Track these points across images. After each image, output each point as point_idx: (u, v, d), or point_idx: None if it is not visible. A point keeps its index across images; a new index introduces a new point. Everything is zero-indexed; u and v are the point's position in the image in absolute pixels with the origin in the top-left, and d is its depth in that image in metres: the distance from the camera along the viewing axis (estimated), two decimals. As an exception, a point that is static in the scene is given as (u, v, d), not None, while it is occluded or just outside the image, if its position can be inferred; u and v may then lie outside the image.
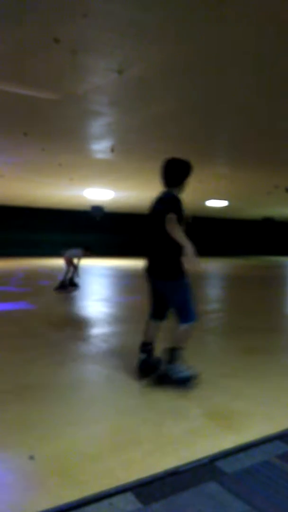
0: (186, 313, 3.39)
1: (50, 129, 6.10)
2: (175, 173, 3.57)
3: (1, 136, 6.59)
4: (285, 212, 20.51)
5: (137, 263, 19.27)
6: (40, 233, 21.35)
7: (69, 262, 9.28)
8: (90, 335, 5.23)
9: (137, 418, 2.84)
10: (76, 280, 9.43)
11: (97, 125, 5.88)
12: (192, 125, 5.85)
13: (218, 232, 27.48)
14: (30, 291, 9.38)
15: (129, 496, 1.96)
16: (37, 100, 4.77)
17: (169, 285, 3.41)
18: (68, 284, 9.28)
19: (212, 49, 3.49)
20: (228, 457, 2.32)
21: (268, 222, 24.19)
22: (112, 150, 7.25)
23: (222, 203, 17.02)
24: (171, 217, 3.21)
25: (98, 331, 5.45)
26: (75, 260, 9.33)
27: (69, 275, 9.34)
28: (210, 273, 15.27)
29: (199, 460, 2.27)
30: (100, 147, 7.17)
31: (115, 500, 1.93)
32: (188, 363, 3.63)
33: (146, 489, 2.01)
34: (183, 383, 3.38)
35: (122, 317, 6.50)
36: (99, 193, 13.96)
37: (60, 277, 9.58)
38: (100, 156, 7.88)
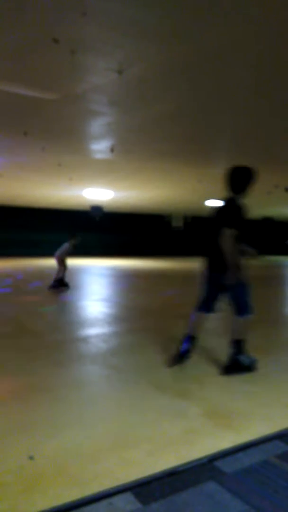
0: (243, 306, 3.85)
1: (50, 129, 6.10)
2: (239, 180, 3.87)
3: (0, 136, 6.59)
4: (285, 212, 20.51)
5: (137, 263, 19.24)
6: (39, 233, 21.34)
7: (60, 261, 9.41)
8: (89, 335, 5.23)
9: (136, 418, 2.84)
10: (60, 279, 9.57)
11: (97, 125, 5.88)
12: (192, 125, 5.85)
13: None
14: (29, 290, 9.38)
15: (129, 496, 1.96)
16: (37, 99, 4.76)
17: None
18: (58, 284, 9.41)
19: (212, 49, 3.49)
20: (227, 456, 2.33)
21: (268, 222, 24.19)
22: (112, 150, 7.25)
23: (222, 203, 16.99)
24: (226, 231, 3.59)
25: (97, 331, 5.45)
26: (66, 257, 9.49)
27: (60, 274, 9.46)
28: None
29: (198, 460, 2.28)
30: (100, 147, 7.17)
31: (114, 500, 1.93)
32: (187, 363, 3.63)
33: (145, 489, 2.02)
34: (251, 369, 3.80)
35: (122, 317, 6.50)
36: (98, 193, 13.95)
37: (54, 276, 9.73)
38: (99, 156, 7.88)
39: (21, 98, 4.73)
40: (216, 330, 5.81)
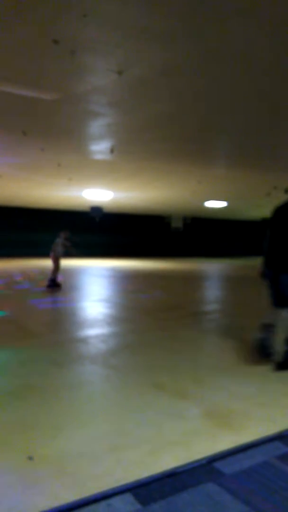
0: None
1: (50, 129, 6.09)
2: None
3: (0, 136, 6.59)
4: (284, 213, 20.48)
5: (137, 264, 19.23)
6: (39, 234, 21.33)
7: (55, 260, 9.53)
8: (89, 335, 5.23)
9: (136, 419, 2.83)
10: (53, 279, 9.65)
11: (97, 126, 5.88)
12: (192, 125, 5.85)
13: (217, 233, 27.49)
14: (29, 290, 9.37)
15: (128, 496, 1.96)
16: (37, 100, 4.76)
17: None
18: (53, 284, 9.52)
19: (212, 50, 3.49)
20: (227, 457, 2.32)
21: (267, 223, 24.16)
22: (112, 150, 7.25)
23: (221, 204, 17.02)
24: None
25: (97, 331, 5.45)
26: (61, 255, 9.58)
27: (55, 274, 9.60)
28: (211, 274, 15.28)
29: (198, 461, 2.27)
30: (100, 148, 7.17)
31: (113, 501, 1.93)
32: (187, 364, 3.62)
33: (144, 489, 2.01)
34: None
35: (121, 318, 6.50)
36: (98, 194, 13.95)
37: (49, 276, 9.84)
38: (99, 156, 7.87)
39: (20, 99, 4.72)
40: (216, 330, 5.81)
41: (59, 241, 9.63)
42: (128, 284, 11.39)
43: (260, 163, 8.53)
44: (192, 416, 2.88)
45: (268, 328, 4.09)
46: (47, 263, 17.55)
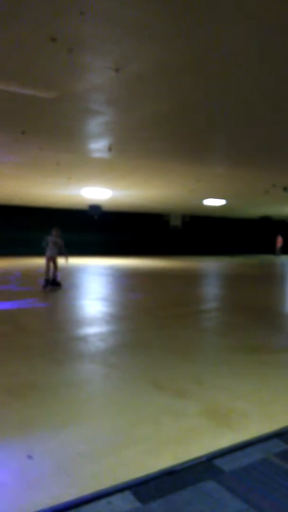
0: None
1: (48, 128, 6.08)
2: None
3: (-2, 135, 6.57)
4: (282, 211, 20.53)
5: (135, 262, 19.23)
6: (37, 232, 21.28)
7: (49, 260, 9.44)
8: (88, 334, 5.23)
9: (135, 417, 2.84)
10: (53, 279, 9.56)
11: (95, 124, 5.86)
12: (190, 123, 5.84)
13: (216, 231, 27.50)
14: (29, 290, 9.37)
15: (128, 495, 1.96)
16: (34, 98, 4.75)
17: None
18: (57, 283, 9.47)
19: (211, 47, 3.48)
20: (226, 455, 2.33)
21: (266, 221, 24.21)
22: (110, 149, 7.23)
23: (220, 202, 17.02)
24: None
25: (96, 330, 5.45)
26: (56, 255, 9.46)
27: (55, 273, 9.56)
28: (209, 273, 15.29)
29: (197, 459, 2.28)
30: (98, 146, 7.15)
31: (113, 499, 1.93)
32: (185, 362, 3.63)
33: (144, 487, 2.02)
34: None
35: (120, 316, 6.50)
36: (97, 192, 13.94)
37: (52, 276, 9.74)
38: (98, 155, 7.86)
39: (18, 97, 4.71)
40: (215, 329, 5.82)
41: (51, 239, 9.47)
42: (127, 282, 11.39)
43: (259, 161, 8.53)
44: (191, 414, 2.88)
45: None
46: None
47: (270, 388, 3.42)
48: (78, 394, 3.28)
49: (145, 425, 2.71)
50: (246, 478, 2.11)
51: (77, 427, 2.68)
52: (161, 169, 9.58)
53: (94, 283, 11.19)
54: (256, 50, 3.53)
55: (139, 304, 7.68)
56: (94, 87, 4.42)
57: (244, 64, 3.82)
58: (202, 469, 2.19)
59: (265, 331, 5.66)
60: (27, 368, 3.86)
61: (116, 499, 1.93)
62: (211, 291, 10.27)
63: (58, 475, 2.14)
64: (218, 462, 2.26)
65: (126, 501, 1.91)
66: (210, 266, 18.08)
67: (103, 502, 1.91)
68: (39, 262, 17.47)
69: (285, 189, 12.17)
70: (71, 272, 13.47)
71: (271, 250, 28.22)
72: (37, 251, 20.70)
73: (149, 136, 6.52)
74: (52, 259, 9.45)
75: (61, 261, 9.82)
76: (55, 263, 9.50)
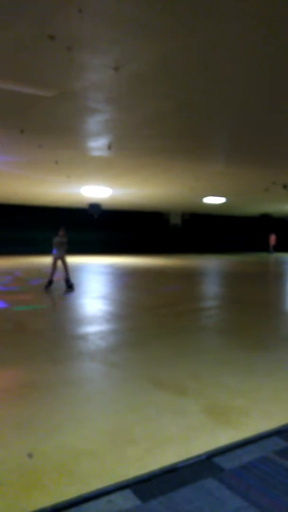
0: None
1: (47, 126, 6.07)
2: None
3: (-3, 134, 6.56)
4: (282, 208, 20.53)
5: (135, 261, 19.22)
6: (37, 231, 21.31)
7: (56, 261, 9.24)
8: (88, 332, 5.23)
9: (135, 415, 2.84)
10: (51, 279, 9.30)
11: (94, 122, 5.85)
12: (190, 121, 5.84)
13: (216, 229, 27.50)
14: (29, 289, 9.37)
15: (128, 493, 1.97)
16: (33, 97, 4.74)
17: None
18: (70, 284, 9.17)
19: (210, 46, 3.47)
20: (226, 453, 2.33)
21: (266, 219, 24.21)
22: (109, 147, 7.22)
23: (220, 200, 17.02)
24: None
25: (96, 328, 5.46)
26: (63, 254, 9.26)
27: (62, 275, 9.37)
28: (209, 271, 15.29)
29: (197, 457, 2.28)
30: (97, 144, 7.14)
31: (114, 497, 1.94)
32: (186, 360, 3.63)
33: (144, 486, 2.02)
34: None
35: (121, 315, 6.50)
36: (96, 191, 13.93)
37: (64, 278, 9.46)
38: (97, 153, 7.85)
39: (17, 96, 4.70)
40: (214, 327, 5.83)
41: (57, 240, 9.28)
42: (126, 281, 11.40)
43: (259, 159, 8.52)
44: (191, 412, 2.89)
45: None
46: (46, 260, 17.56)
47: (270, 386, 3.43)
48: (78, 392, 3.28)
49: (145, 423, 2.72)
50: (246, 475, 2.12)
51: (77, 425, 2.69)
52: (161, 167, 9.57)
53: (94, 281, 11.20)
54: (256, 48, 3.53)
55: (139, 303, 7.69)
56: (93, 86, 4.41)
57: (244, 63, 3.81)
58: (202, 467, 2.19)
59: (265, 328, 5.67)
60: (27, 367, 3.86)
61: (116, 497, 1.94)
62: (210, 289, 10.27)
63: (58, 473, 2.14)
64: (218, 460, 2.26)
65: (126, 499, 1.92)
66: (210, 264, 18.08)
67: (103, 500, 1.91)
68: (39, 261, 17.48)
69: (285, 186, 12.16)
70: (71, 270, 13.46)
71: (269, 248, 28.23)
72: (37, 250, 20.79)
73: (149, 134, 6.51)
74: (60, 260, 9.20)
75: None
76: (64, 263, 9.20)
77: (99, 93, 4.66)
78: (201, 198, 16.55)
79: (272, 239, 26.49)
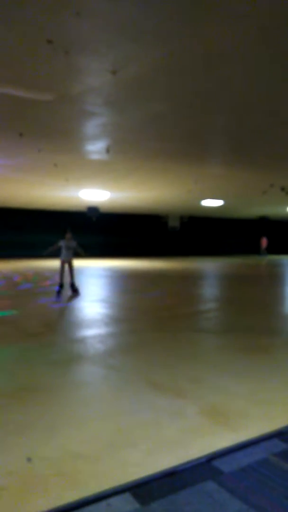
0: None
1: (46, 130, 6.09)
2: None
3: (-4, 137, 6.57)
4: (280, 211, 20.58)
5: (134, 264, 19.20)
6: (35, 235, 21.30)
7: (64, 263, 9.00)
8: (87, 335, 5.23)
9: (134, 418, 2.84)
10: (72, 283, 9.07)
11: (92, 126, 5.87)
12: (187, 125, 5.86)
13: (214, 231, 27.53)
14: (28, 292, 9.36)
15: (127, 496, 1.96)
16: (32, 101, 4.76)
17: None
18: (76, 288, 8.95)
19: (208, 49, 3.49)
20: (226, 456, 2.33)
21: (264, 221, 24.25)
22: (108, 150, 7.24)
23: (218, 203, 17.05)
24: None
25: (95, 331, 5.45)
26: (67, 256, 9.01)
27: (70, 278, 9.06)
28: (208, 273, 15.30)
29: (196, 460, 2.28)
30: (96, 148, 7.16)
31: (113, 500, 1.93)
32: (184, 363, 3.63)
33: (144, 489, 2.02)
34: None
35: (119, 318, 6.50)
36: (95, 194, 13.94)
37: (70, 282, 9.18)
38: (95, 156, 7.87)
39: (16, 99, 4.71)
40: (213, 329, 5.83)
41: (63, 244, 8.96)
42: (125, 284, 11.39)
43: (257, 161, 8.55)
44: (191, 415, 2.88)
45: None
46: (44, 264, 17.51)
47: (270, 388, 3.43)
48: (77, 395, 3.28)
49: (144, 426, 2.71)
50: (245, 478, 2.11)
51: (76, 429, 2.68)
52: (159, 170, 9.59)
53: (93, 284, 11.19)
54: (254, 51, 3.55)
55: (137, 305, 7.68)
56: (91, 89, 4.43)
57: (241, 65, 3.83)
58: (202, 469, 2.19)
59: (264, 331, 5.67)
60: (26, 371, 3.85)
61: (115, 500, 1.93)
62: (209, 292, 10.27)
63: (58, 477, 2.14)
64: (217, 462, 2.26)
65: (125, 502, 1.91)
66: (209, 266, 18.09)
67: (103, 503, 1.91)
68: (38, 264, 17.46)
69: (283, 189, 12.20)
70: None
71: (269, 250, 28.25)
72: (36, 254, 20.76)
73: (147, 138, 6.53)
74: (67, 263, 8.96)
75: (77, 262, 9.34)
76: (71, 266, 8.97)
77: (97, 97, 4.67)
78: (199, 201, 16.58)
79: (264, 242, 26.45)
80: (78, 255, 9.17)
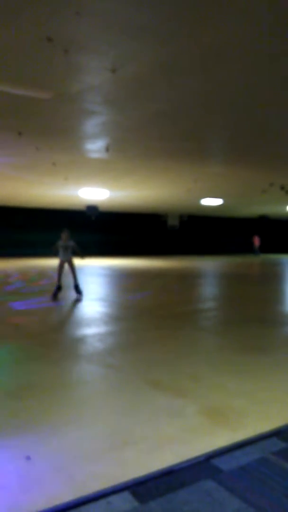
0: None
1: (45, 129, 6.08)
2: None
3: (-5, 136, 6.56)
4: (280, 209, 20.59)
5: (133, 263, 19.21)
6: (34, 233, 21.29)
7: (62, 264, 8.57)
8: (86, 334, 5.23)
9: (133, 417, 2.84)
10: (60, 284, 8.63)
11: (92, 124, 5.86)
12: (187, 123, 5.85)
13: (214, 230, 27.54)
14: (27, 291, 9.35)
15: (126, 495, 1.96)
16: (31, 99, 4.75)
17: None
18: (79, 290, 8.59)
19: (207, 47, 3.49)
20: (225, 454, 2.33)
21: (263, 220, 24.27)
22: (107, 149, 7.24)
23: (217, 202, 17.05)
24: None
25: (94, 330, 5.45)
26: (64, 256, 8.57)
27: (75, 279, 8.68)
28: (207, 272, 15.31)
29: (195, 458, 2.28)
30: (95, 146, 7.15)
31: (112, 499, 1.93)
32: (184, 362, 3.63)
33: (143, 487, 2.02)
34: None
35: (118, 316, 6.50)
36: (94, 193, 13.93)
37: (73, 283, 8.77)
38: (94, 155, 7.86)
39: (15, 98, 4.71)
40: (212, 328, 5.83)
41: (60, 245, 8.51)
42: (124, 282, 11.40)
43: (256, 160, 8.55)
44: (190, 414, 2.89)
45: None
46: (43, 263, 17.51)
47: (268, 387, 3.43)
48: (76, 394, 3.28)
49: (143, 424, 2.72)
50: (244, 477, 2.12)
51: (75, 427, 2.68)
52: (158, 169, 9.59)
53: (92, 283, 11.19)
54: (252, 49, 3.54)
55: (137, 304, 7.68)
56: (90, 88, 4.42)
57: (240, 64, 3.83)
58: (201, 468, 2.19)
59: (263, 330, 5.67)
60: (25, 369, 3.86)
61: (115, 499, 1.93)
62: (208, 290, 10.28)
63: (57, 476, 2.14)
64: (216, 461, 2.26)
65: (125, 501, 1.92)
66: (208, 265, 18.10)
67: (102, 502, 1.91)
68: (37, 263, 17.46)
69: (282, 188, 12.20)
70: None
71: (268, 249, 28.28)
72: (35, 253, 20.76)
73: (146, 136, 6.53)
74: (67, 263, 8.51)
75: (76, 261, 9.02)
76: (72, 267, 8.53)
77: (96, 95, 4.67)
78: (199, 200, 16.58)
79: (256, 240, 26.40)
80: (76, 255, 8.71)
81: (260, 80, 4.21)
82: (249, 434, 2.57)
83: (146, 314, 6.73)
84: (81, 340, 4.95)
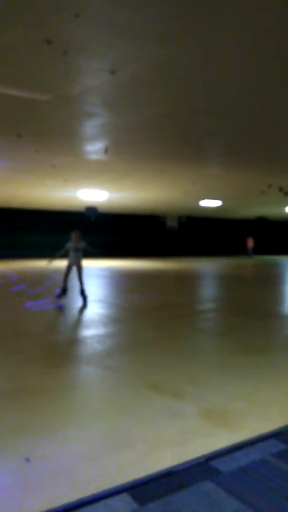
0: None
1: (44, 131, 6.08)
2: None
3: (-6, 138, 6.56)
4: (278, 211, 20.61)
5: (132, 264, 19.21)
6: (34, 235, 21.28)
7: (70, 267, 8.08)
8: (85, 336, 5.22)
9: (132, 419, 2.84)
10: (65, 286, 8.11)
11: (91, 126, 5.87)
12: (186, 125, 5.86)
13: (213, 232, 27.55)
14: (26, 292, 9.35)
15: (125, 496, 1.96)
16: (30, 101, 4.75)
17: None
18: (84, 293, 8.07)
19: (206, 49, 3.50)
20: (224, 456, 2.33)
21: (262, 222, 24.29)
22: (106, 151, 7.24)
23: (216, 203, 17.07)
24: None
25: (93, 332, 5.45)
26: (72, 259, 8.09)
27: (73, 283, 8.38)
28: (206, 273, 15.31)
29: (194, 460, 2.28)
30: (94, 148, 7.16)
31: (111, 501, 1.93)
32: (183, 363, 3.63)
33: (141, 489, 2.02)
34: None
35: (117, 318, 6.50)
36: (93, 194, 13.94)
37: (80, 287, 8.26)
38: (94, 157, 7.86)
39: (14, 100, 4.71)
40: (211, 329, 5.83)
41: (70, 246, 8.02)
42: (123, 284, 11.39)
43: (255, 162, 8.56)
44: (189, 415, 2.89)
45: None
46: (43, 264, 17.49)
47: (267, 389, 3.43)
48: (76, 396, 3.28)
49: (142, 426, 2.72)
50: (243, 478, 2.12)
51: (74, 429, 2.68)
52: (157, 171, 9.59)
53: (91, 285, 11.18)
54: (252, 51, 3.55)
55: (136, 306, 7.68)
56: (89, 90, 4.43)
57: (239, 65, 3.84)
58: (200, 470, 2.19)
59: (261, 332, 5.68)
60: (24, 371, 3.85)
61: (114, 501, 1.93)
62: (207, 292, 10.29)
63: (56, 478, 2.14)
64: (215, 462, 2.26)
65: (124, 503, 1.92)
66: (207, 267, 18.10)
67: (101, 504, 1.91)
68: (36, 265, 17.44)
69: (281, 189, 12.22)
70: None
71: (267, 251, 28.28)
72: (34, 254, 20.74)
73: (146, 138, 6.53)
74: (76, 266, 7.98)
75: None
76: (79, 270, 7.99)
77: (95, 97, 4.67)
78: (197, 201, 16.59)
79: (250, 242, 26.35)
80: (91, 256, 8.20)
81: (259, 82, 4.22)
82: (248, 435, 2.57)
83: (145, 315, 6.73)
84: (80, 341, 4.95)
